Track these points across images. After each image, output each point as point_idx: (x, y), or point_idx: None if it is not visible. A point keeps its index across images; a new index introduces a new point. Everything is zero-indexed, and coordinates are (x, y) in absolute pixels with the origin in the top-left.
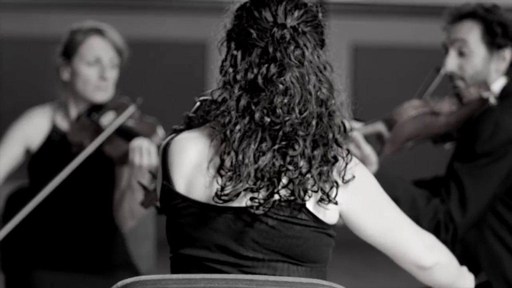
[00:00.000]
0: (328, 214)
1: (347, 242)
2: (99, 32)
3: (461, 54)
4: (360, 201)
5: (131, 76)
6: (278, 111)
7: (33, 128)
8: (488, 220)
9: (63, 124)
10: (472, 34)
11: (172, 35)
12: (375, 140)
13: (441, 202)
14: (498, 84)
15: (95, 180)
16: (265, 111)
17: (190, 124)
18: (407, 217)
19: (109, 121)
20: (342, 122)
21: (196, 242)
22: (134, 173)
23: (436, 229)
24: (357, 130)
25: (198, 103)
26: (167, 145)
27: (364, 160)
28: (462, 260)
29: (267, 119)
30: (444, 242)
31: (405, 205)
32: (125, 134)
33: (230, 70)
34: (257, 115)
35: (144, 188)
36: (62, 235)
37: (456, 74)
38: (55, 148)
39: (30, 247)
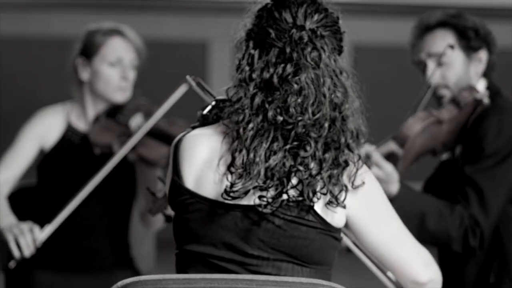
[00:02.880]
0: (336, 217)
1: None
2: (120, 33)
3: (440, 64)
4: (368, 208)
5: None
6: (291, 110)
7: (47, 127)
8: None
9: (80, 124)
10: (447, 42)
11: (172, 35)
12: (389, 157)
13: (464, 208)
14: (480, 86)
15: (102, 182)
16: (278, 110)
17: (204, 123)
18: (408, 231)
19: (138, 123)
20: (355, 128)
21: (202, 239)
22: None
23: (464, 236)
24: (374, 151)
25: (213, 102)
26: (179, 141)
27: (386, 180)
28: (473, 263)
29: (280, 118)
30: (473, 248)
31: (432, 218)
32: (160, 136)
33: (247, 68)
34: (270, 114)
35: (153, 194)
36: (62, 235)
37: (440, 84)
38: (73, 148)
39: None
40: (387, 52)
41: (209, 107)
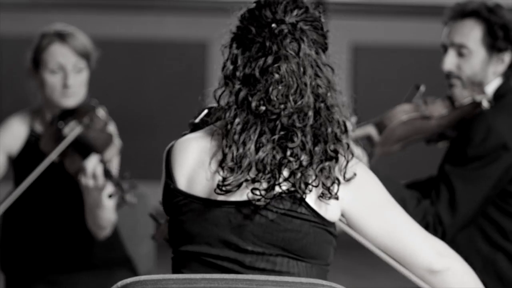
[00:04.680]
0: (330, 211)
1: (347, 242)
2: (60, 37)
3: (460, 54)
4: (363, 200)
5: (131, 76)
6: (273, 99)
7: (11, 136)
8: (480, 223)
9: (41, 128)
10: (472, 35)
11: (172, 35)
12: (366, 140)
13: (431, 204)
14: (493, 84)
15: (58, 190)
16: (261, 101)
17: (194, 130)
18: (412, 220)
19: (70, 130)
20: (342, 120)
21: (197, 238)
22: (84, 194)
23: None
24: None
25: (205, 111)
26: (171, 147)
27: None
28: None
29: (263, 108)
30: None
31: None
32: (81, 148)
33: (231, 67)
34: (253, 105)
35: (155, 220)
36: (61, 235)
37: (454, 73)
38: (36, 152)
39: (30, 247)
40: (387, 52)
41: (201, 116)
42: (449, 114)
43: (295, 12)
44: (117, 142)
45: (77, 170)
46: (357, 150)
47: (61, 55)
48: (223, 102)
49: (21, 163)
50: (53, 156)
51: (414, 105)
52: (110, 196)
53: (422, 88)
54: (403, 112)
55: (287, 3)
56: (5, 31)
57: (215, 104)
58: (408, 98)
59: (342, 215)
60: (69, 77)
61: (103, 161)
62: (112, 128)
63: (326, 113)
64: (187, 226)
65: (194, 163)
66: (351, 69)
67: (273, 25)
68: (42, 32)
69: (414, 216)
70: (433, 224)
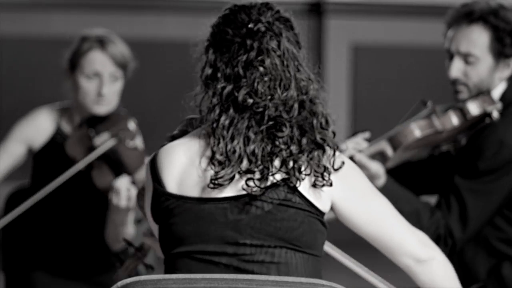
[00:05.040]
0: (321, 201)
1: (346, 242)
2: (101, 44)
3: (467, 62)
4: (351, 189)
5: (131, 76)
6: (260, 90)
7: (36, 129)
8: (485, 232)
9: (68, 128)
10: (479, 43)
11: (172, 35)
12: (379, 156)
13: (442, 217)
14: (499, 89)
15: (94, 185)
16: (247, 95)
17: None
18: (397, 210)
19: (103, 141)
20: (324, 113)
21: (192, 238)
22: (112, 212)
23: (436, 243)
24: (361, 152)
25: (184, 122)
26: (155, 155)
27: (371, 176)
28: (460, 271)
29: (250, 100)
30: None
31: (409, 218)
32: (113, 163)
33: (210, 70)
34: (240, 98)
35: (119, 259)
36: (61, 235)
37: (460, 80)
38: (59, 150)
39: (30, 247)
40: (387, 52)
41: (179, 127)
42: (460, 126)
43: (269, 13)
44: (146, 161)
45: (107, 187)
46: (375, 165)
47: (99, 63)
48: (204, 106)
49: (42, 159)
50: (80, 165)
51: (428, 121)
52: (139, 221)
53: (429, 104)
54: (418, 129)
55: (260, 6)
56: (5, 31)
57: (195, 116)
58: (414, 113)
59: (332, 206)
60: (104, 86)
61: (134, 183)
62: (139, 141)
63: (309, 105)
64: (181, 228)
65: (183, 165)
66: (351, 69)
67: (251, 24)
68: (83, 35)
69: (427, 228)
70: (444, 237)
